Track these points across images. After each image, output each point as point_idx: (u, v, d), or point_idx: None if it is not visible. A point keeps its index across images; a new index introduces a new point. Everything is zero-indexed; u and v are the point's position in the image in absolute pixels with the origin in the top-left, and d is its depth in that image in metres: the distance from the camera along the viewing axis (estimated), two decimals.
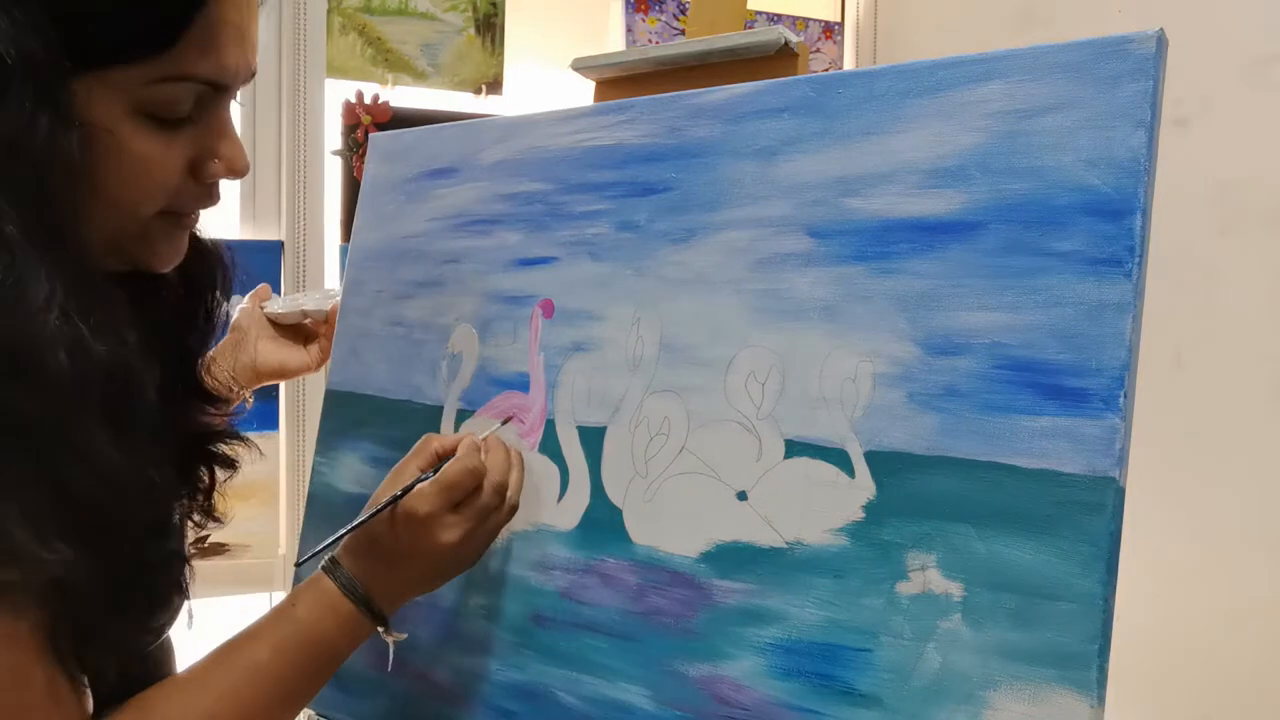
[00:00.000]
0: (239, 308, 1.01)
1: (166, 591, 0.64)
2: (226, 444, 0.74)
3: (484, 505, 0.73)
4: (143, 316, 0.63)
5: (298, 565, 0.73)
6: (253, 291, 1.04)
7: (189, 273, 0.70)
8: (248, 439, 0.77)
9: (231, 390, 0.87)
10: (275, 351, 1.01)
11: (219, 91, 0.61)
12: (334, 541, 0.72)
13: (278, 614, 0.70)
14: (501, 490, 0.74)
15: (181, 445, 0.69)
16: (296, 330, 1.03)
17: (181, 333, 0.73)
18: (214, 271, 0.74)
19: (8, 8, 0.52)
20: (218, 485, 0.74)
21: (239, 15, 0.59)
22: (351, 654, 0.71)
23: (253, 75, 0.63)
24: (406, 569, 0.72)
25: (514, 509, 0.76)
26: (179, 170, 0.61)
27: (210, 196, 0.65)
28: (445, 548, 0.71)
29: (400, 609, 0.73)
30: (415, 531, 0.71)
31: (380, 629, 0.71)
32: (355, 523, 0.72)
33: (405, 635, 0.75)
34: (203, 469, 0.73)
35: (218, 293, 0.74)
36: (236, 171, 0.63)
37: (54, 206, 0.54)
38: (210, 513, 0.73)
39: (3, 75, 0.52)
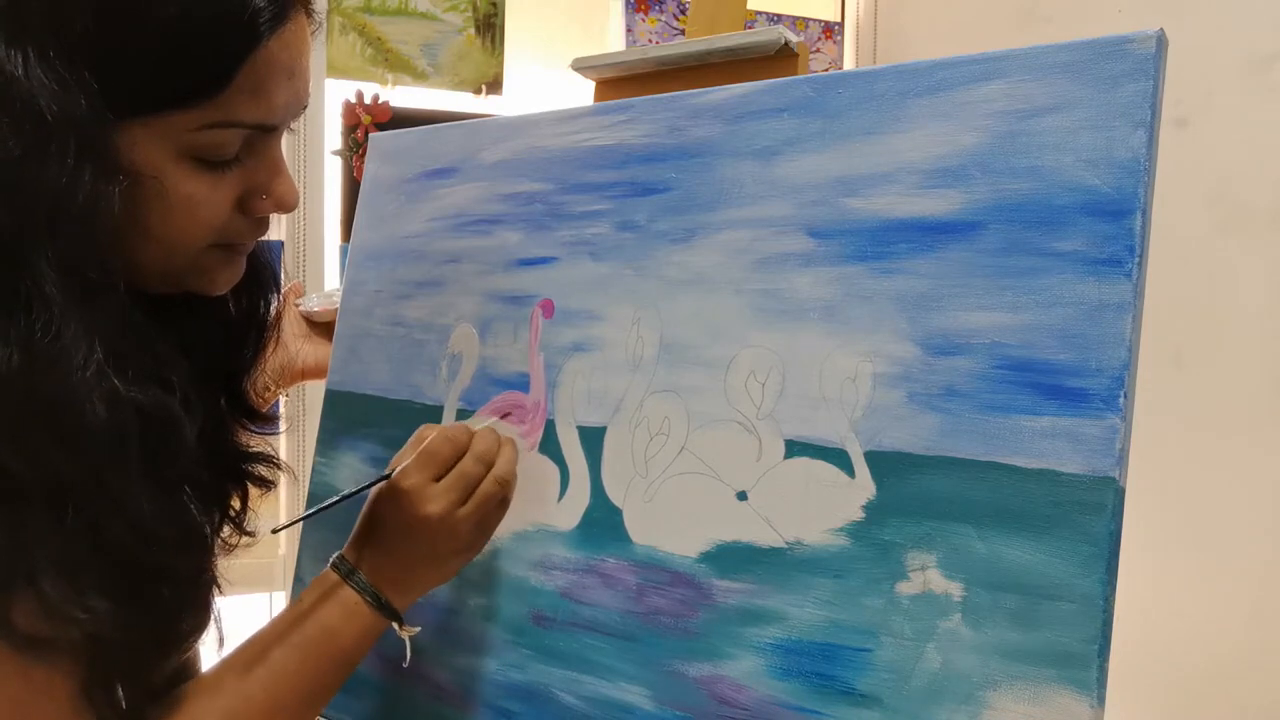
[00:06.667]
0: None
1: (201, 623, 0.64)
2: (264, 466, 0.74)
3: (467, 474, 0.71)
4: (193, 338, 0.63)
5: (274, 532, 0.74)
6: (286, 289, 1.03)
7: (239, 289, 0.69)
8: (283, 463, 0.76)
9: (268, 389, 0.86)
10: (311, 351, 1.01)
11: (267, 132, 0.60)
12: (313, 513, 0.72)
13: (288, 614, 0.70)
14: (486, 461, 0.73)
15: (218, 464, 0.68)
16: (329, 329, 1.03)
17: (232, 349, 0.72)
18: (263, 279, 0.73)
19: (51, 62, 0.51)
20: (250, 502, 0.73)
21: (290, 55, 0.57)
22: (368, 649, 0.71)
23: (304, 108, 0.61)
24: (405, 551, 0.71)
25: (504, 483, 0.73)
26: (227, 208, 0.60)
27: (260, 228, 0.64)
28: (433, 520, 0.69)
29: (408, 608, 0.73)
30: (402, 506, 0.70)
31: (395, 624, 0.71)
32: (334, 499, 0.72)
33: (419, 629, 0.75)
34: (236, 488, 0.72)
35: (269, 304, 0.73)
36: (285, 208, 0.62)
37: (96, 259, 0.53)
38: (241, 528, 0.72)
39: (44, 132, 0.51)
